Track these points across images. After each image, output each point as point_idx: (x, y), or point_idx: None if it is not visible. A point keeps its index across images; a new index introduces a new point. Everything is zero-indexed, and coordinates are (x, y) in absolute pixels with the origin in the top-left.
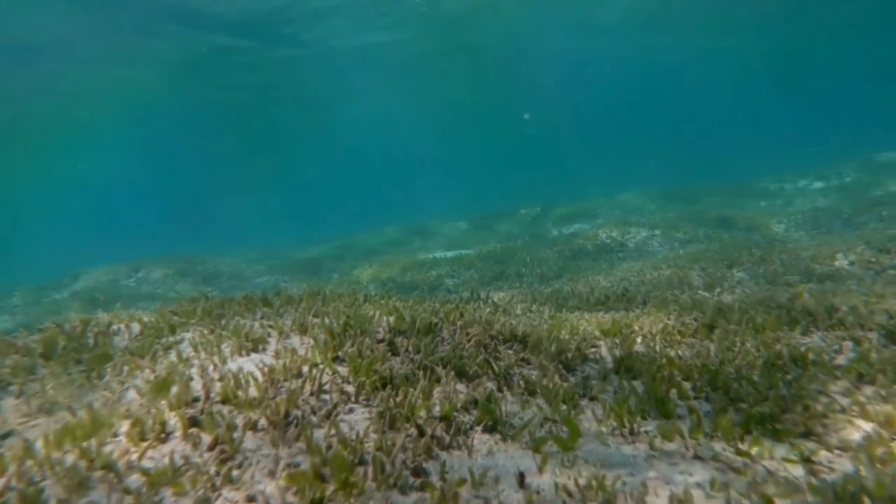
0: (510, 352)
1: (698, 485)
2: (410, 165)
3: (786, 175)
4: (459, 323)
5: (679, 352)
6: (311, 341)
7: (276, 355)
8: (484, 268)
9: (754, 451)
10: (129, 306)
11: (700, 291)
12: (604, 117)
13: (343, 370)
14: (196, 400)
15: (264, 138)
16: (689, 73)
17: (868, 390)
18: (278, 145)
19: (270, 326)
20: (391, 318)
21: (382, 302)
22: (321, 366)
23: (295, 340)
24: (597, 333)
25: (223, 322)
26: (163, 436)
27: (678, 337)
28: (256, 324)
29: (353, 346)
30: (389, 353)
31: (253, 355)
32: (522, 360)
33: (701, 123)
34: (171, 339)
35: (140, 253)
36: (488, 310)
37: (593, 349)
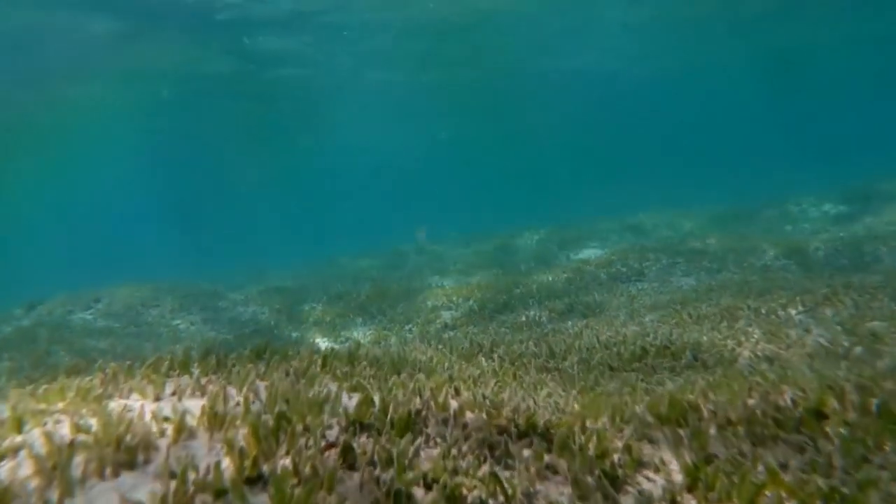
0: (528, 453)
1: None
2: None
3: (805, 198)
4: (454, 406)
5: (780, 456)
6: (224, 447)
7: (159, 475)
8: (485, 298)
9: None
10: (76, 346)
11: (761, 343)
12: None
13: (263, 502)
14: None
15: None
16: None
17: None
18: (278, 161)
19: (166, 420)
20: (354, 401)
21: (346, 370)
22: (229, 496)
23: (201, 443)
24: (649, 419)
25: (105, 405)
26: None
27: (772, 429)
28: (150, 411)
29: (287, 453)
30: (343, 466)
31: (123, 477)
32: (547, 467)
33: (709, 142)
34: (10, 442)
35: (125, 276)
36: (494, 381)
37: (649, 447)
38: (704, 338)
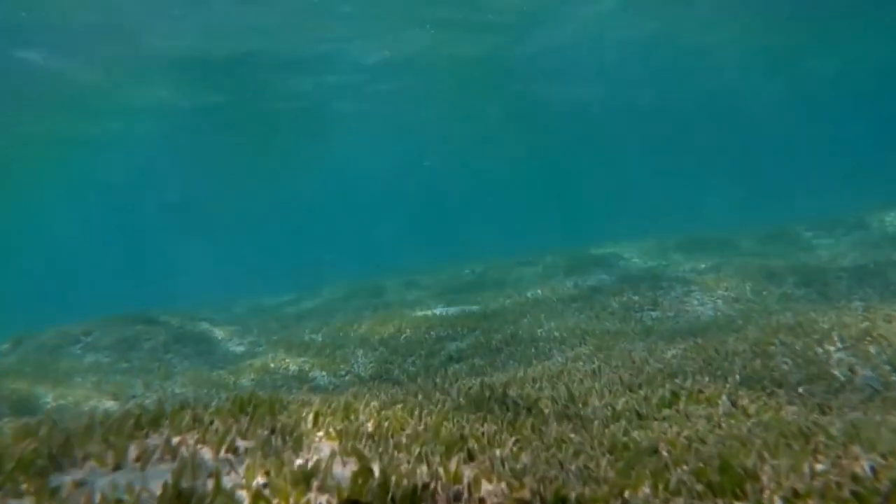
0: None
1: None
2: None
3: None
4: (467, 476)
5: None
6: None
7: None
8: (491, 328)
9: None
10: (61, 384)
11: (804, 385)
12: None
13: None
14: None
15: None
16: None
17: None
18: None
19: (119, 502)
20: (348, 470)
21: (340, 427)
22: None
23: None
24: (698, 488)
25: (47, 482)
26: None
27: None
28: (103, 488)
29: None
30: None
31: None
32: None
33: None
34: None
35: (112, 309)
36: (513, 439)
37: None
38: (738, 377)
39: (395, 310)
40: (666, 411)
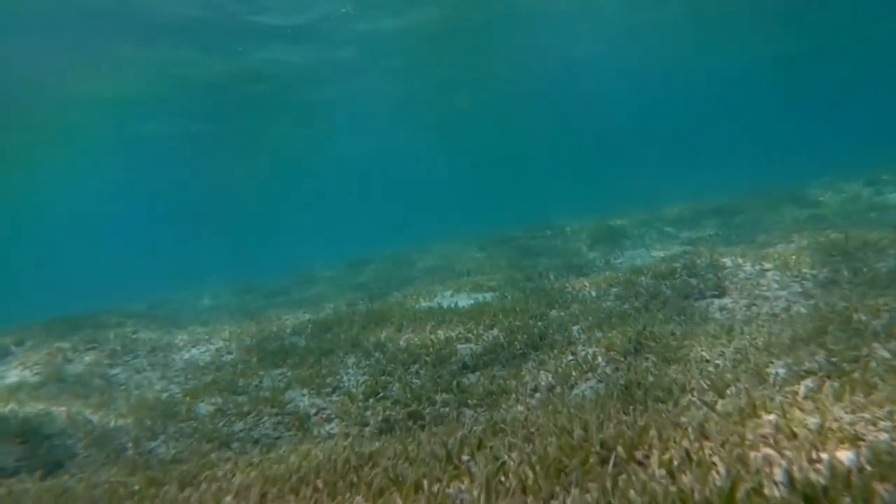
0: None
1: None
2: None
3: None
4: None
5: None
6: None
7: None
8: (513, 326)
9: None
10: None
11: None
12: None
13: None
14: None
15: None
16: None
17: None
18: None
19: None
20: None
21: None
22: None
23: None
24: None
25: None
26: None
27: None
28: None
29: None
30: None
31: None
32: None
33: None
34: None
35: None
36: None
37: None
38: None
39: (389, 302)
40: None
